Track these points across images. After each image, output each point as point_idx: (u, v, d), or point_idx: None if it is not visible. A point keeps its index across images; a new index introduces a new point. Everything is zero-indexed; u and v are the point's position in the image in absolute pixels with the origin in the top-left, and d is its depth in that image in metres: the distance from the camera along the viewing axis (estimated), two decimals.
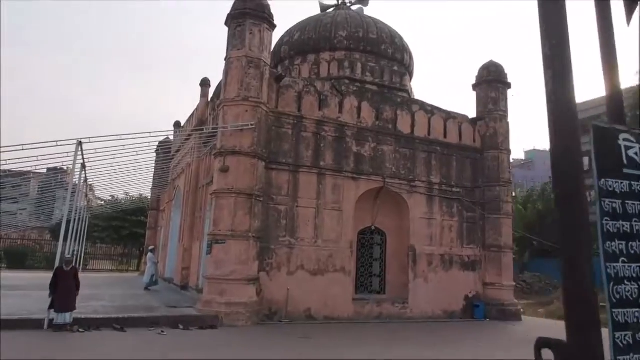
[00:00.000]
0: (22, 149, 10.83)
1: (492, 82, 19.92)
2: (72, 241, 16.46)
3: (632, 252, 2.51)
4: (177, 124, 29.09)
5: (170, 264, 24.57)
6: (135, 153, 13.46)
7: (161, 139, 20.23)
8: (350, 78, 19.15)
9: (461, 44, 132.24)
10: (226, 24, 15.53)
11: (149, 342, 11.05)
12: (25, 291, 16.76)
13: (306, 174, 15.94)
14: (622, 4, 3.20)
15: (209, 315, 13.34)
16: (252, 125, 14.39)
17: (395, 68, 20.74)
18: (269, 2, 15.69)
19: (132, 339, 11.23)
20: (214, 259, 14.05)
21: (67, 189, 14.07)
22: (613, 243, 2.49)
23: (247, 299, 13.87)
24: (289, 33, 21.65)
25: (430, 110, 18.92)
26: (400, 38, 21.56)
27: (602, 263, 2.44)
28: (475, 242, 18.80)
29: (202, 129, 17.51)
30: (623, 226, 2.54)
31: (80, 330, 11.51)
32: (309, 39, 20.61)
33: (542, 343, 2.48)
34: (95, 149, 12.74)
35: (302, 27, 21.28)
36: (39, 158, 11.89)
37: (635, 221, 2.58)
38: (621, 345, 2.40)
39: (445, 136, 18.80)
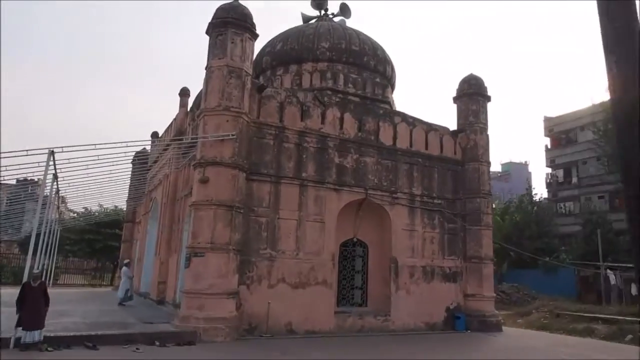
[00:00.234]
0: None
1: (472, 94, 20.03)
2: (42, 255, 15.95)
3: None
4: (154, 135, 28.58)
5: (146, 278, 23.97)
6: (110, 163, 13.08)
7: (138, 149, 19.81)
8: (333, 89, 18.99)
9: (441, 57, 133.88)
10: (207, 32, 15.26)
11: None
12: None
13: (288, 185, 15.68)
14: None
15: (187, 331, 12.90)
16: (233, 135, 14.10)
17: (378, 80, 20.67)
18: (251, 12, 15.48)
19: (106, 357, 10.77)
20: (192, 272, 13.64)
21: (37, 201, 13.56)
22: None
23: (226, 314, 13.49)
24: (271, 43, 21.44)
25: (412, 122, 18.87)
26: (382, 50, 21.53)
27: None
28: (456, 254, 18.73)
29: (182, 139, 17.16)
30: None
31: (50, 349, 10.94)
32: (291, 49, 20.42)
33: None
34: (68, 159, 12.29)
35: (284, 38, 21.08)
36: (8, 168, 11.46)
37: None
38: None
39: (426, 148, 18.76)
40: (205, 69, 14.97)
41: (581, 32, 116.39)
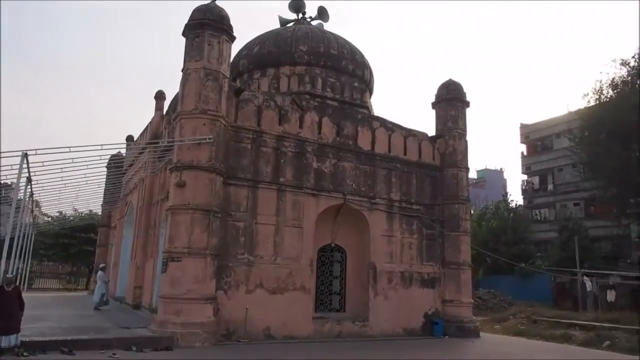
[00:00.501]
0: None
1: (451, 100, 20.09)
2: (16, 259, 15.66)
3: None
4: (129, 138, 28.27)
5: (121, 282, 23.72)
6: (85, 167, 12.87)
7: (113, 152, 19.58)
8: (311, 93, 18.96)
9: (418, 63, 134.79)
10: (184, 34, 15.11)
11: None
12: None
13: (266, 190, 15.57)
14: None
15: (164, 336, 12.74)
16: (210, 139, 13.97)
17: (356, 84, 20.67)
18: (228, 14, 15.37)
19: None
20: (169, 277, 13.47)
21: (10, 204, 13.29)
22: None
23: (204, 319, 13.33)
24: (248, 46, 21.31)
25: (391, 127, 18.89)
26: (361, 54, 21.55)
27: None
28: (435, 259, 18.76)
29: (158, 143, 16.96)
30: None
31: (25, 354, 10.71)
32: (269, 52, 20.29)
33: None
34: (42, 162, 12.10)
35: (261, 41, 20.96)
36: None
37: None
38: None
39: (405, 153, 18.77)
40: (182, 71, 14.82)
41: (557, 38, 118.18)
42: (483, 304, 28.40)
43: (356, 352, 14.02)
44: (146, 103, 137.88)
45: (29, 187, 15.02)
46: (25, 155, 11.89)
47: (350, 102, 19.92)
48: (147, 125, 22.95)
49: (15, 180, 12.55)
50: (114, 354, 11.34)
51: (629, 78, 30.84)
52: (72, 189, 16.52)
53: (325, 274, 17.29)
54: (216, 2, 15.51)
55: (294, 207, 15.93)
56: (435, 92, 20.78)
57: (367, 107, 20.78)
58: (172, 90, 17.95)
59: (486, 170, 73.17)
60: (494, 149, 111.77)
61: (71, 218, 36.48)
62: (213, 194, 14.00)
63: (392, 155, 18.37)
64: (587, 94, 32.94)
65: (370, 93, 22.20)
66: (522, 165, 50.75)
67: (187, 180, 13.74)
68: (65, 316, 16.45)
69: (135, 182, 23.14)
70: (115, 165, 23.59)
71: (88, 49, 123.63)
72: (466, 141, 20.03)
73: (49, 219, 36.68)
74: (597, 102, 32.07)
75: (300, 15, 24.19)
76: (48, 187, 15.68)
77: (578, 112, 35.79)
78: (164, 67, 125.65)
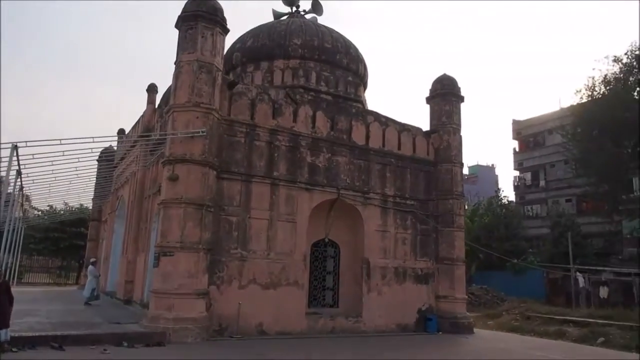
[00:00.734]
0: None
1: (446, 95, 19.98)
2: (5, 253, 15.47)
3: None
4: (121, 132, 28.03)
5: (112, 277, 23.53)
6: (76, 160, 12.68)
7: (105, 145, 19.32)
8: (305, 87, 18.79)
9: (413, 58, 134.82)
10: (177, 26, 14.89)
11: None
12: None
13: (259, 184, 15.41)
14: None
15: (156, 331, 12.57)
16: (203, 132, 13.78)
17: (350, 78, 20.53)
18: (222, 6, 15.17)
19: (72, 359, 10.37)
20: (161, 272, 13.30)
21: (0, 198, 13.08)
22: None
23: (196, 314, 13.19)
24: (242, 39, 21.09)
25: (385, 122, 18.76)
26: (355, 48, 21.40)
27: None
28: (429, 255, 18.68)
29: (150, 136, 16.75)
30: None
31: (14, 349, 10.53)
32: (263, 45, 20.09)
33: None
34: (33, 155, 11.90)
35: (255, 34, 20.75)
36: None
37: None
38: None
39: (399, 148, 18.65)
40: (175, 63, 14.61)
41: (550, 35, 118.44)
42: (476, 300, 28.38)
43: (349, 349, 13.91)
44: (138, 96, 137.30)
45: (18, 180, 14.81)
46: (15, 148, 11.69)
47: (345, 96, 19.77)
48: (139, 119, 22.72)
49: (4, 173, 12.33)
50: (104, 349, 11.18)
51: (622, 75, 30.87)
52: (63, 183, 16.29)
53: (319, 269, 17.18)
54: None
55: (287, 202, 15.79)
56: (429, 87, 20.67)
57: (362, 102, 20.64)
58: (164, 83, 17.71)
59: (478, 166, 73.26)
60: (486, 145, 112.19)
61: (61, 212, 36.24)
62: (206, 188, 13.83)
63: (386, 150, 18.25)
64: (580, 91, 33.00)
65: (365, 87, 22.06)
66: (514, 162, 50.87)
67: (179, 174, 13.56)
68: (55, 311, 16.25)
69: (126, 175, 22.92)
70: (107, 158, 23.37)
71: (79, 42, 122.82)
72: (460, 136, 19.96)
73: (39, 212, 36.44)
74: (590, 98, 32.11)
75: (294, 9, 23.98)
76: (38, 180, 15.44)
77: (570, 108, 35.85)
78: (156, 60, 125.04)
